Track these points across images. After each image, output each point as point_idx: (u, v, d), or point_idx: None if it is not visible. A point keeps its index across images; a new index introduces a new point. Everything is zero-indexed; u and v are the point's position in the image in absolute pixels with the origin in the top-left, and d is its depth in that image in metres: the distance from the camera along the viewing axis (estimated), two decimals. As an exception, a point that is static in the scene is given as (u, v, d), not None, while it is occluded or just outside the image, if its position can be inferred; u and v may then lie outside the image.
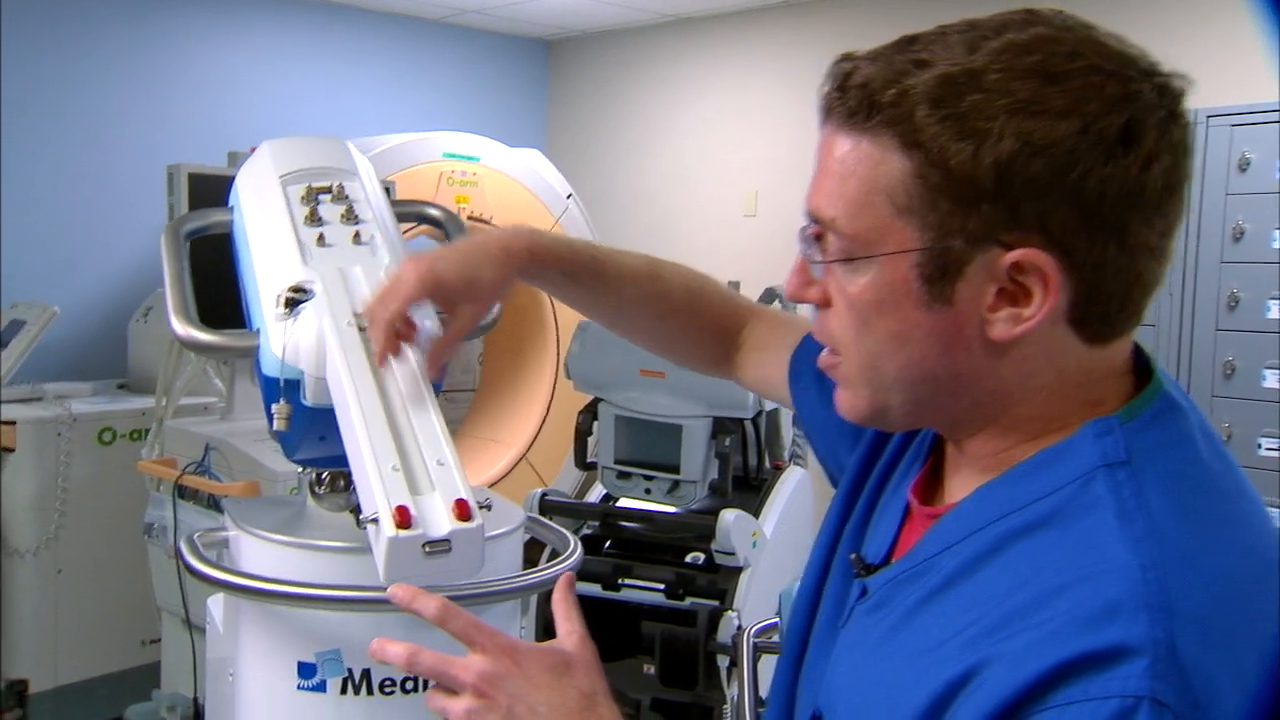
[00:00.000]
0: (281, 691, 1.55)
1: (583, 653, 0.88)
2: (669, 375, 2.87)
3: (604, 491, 3.14)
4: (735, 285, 5.33)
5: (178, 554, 1.57)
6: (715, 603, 2.94)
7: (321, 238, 1.27)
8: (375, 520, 0.94)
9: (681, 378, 2.84)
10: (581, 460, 3.08)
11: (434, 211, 1.47)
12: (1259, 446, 3.60)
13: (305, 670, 1.53)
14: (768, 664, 1.97)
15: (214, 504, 2.94)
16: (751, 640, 2.01)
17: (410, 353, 1.12)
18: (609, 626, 2.83)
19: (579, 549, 1.67)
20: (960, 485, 0.81)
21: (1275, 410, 3.59)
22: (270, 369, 1.20)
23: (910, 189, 0.73)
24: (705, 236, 5.72)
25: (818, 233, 0.80)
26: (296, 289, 1.20)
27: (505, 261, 1.08)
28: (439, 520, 0.94)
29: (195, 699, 3.08)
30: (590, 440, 3.09)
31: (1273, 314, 3.59)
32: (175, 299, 1.28)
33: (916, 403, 0.78)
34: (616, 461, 2.99)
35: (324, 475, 1.43)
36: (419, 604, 0.90)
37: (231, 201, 1.41)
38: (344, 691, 1.53)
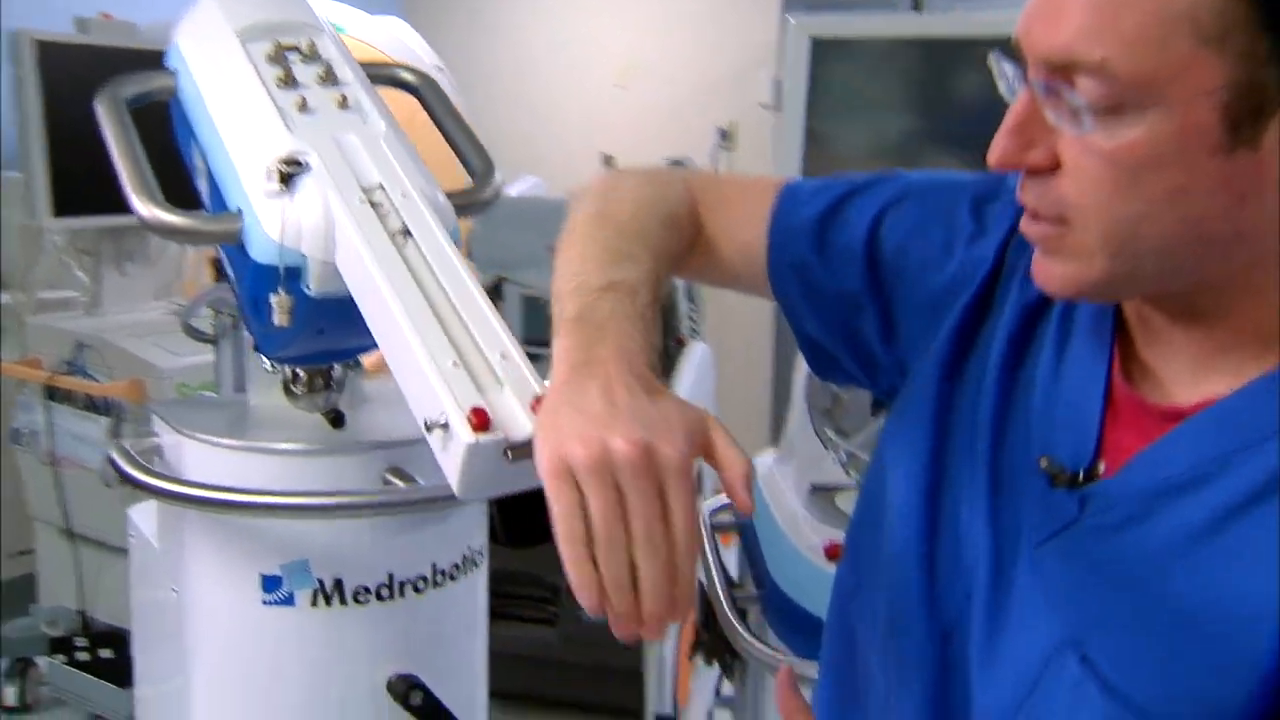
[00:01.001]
0: (243, 608, 1.43)
1: None
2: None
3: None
4: (609, 160, 5.20)
5: (112, 465, 1.41)
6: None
7: (303, 103, 1.10)
8: (444, 425, 0.82)
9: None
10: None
11: (407, 76, 1.31)
12: None
13: (270, 583, 1.41)
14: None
15: (92, 406, 2.73)
16: (709, 522, 1.96)
17: (434, 224, 0.99)
18: (534, 510, 2.75)
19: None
20: (1197, 371, 0.70)
21: None
22: (264, 255, 1.04)
23: (1225, 10, 0.60)
24: (578, 109, 5.54)
25: (1062, 81, 0.65)
26: (290, 161, 1.04)
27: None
28: (518, 420, 0.83)
29: (82, 612, 2.90)
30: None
31: None
32: (132, 176, 1.10)
33: (1173, 272, 0.67)
34: (525, 343, 2.88)
35: (300, 373, 1.29)
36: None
37: (172, 64, 1.23)
38: (315, 603, 1.42)
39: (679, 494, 0.70)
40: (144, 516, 1.73)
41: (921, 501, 0.80)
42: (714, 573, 1.81)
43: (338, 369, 1.32)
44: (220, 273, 1.36)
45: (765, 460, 1.95)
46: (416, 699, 1.47)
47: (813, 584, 1.57)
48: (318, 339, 1.14)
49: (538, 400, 0.83)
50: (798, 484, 1.75)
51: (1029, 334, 0.80)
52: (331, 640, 1.45)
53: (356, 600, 1.43)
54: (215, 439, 1.41)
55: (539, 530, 2.52)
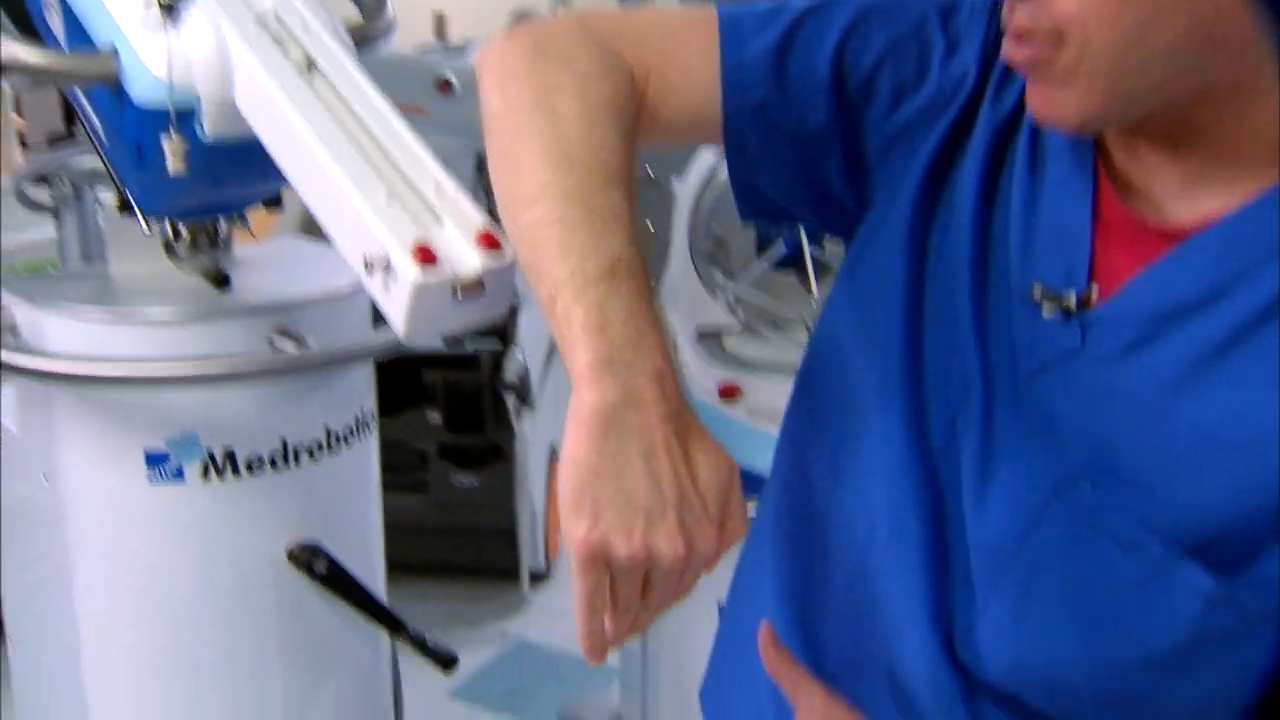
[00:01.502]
0: (127, 488, 1.36)
1: None
2: (430, 110, 2.65)
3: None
4: (440, 17, 4.93)
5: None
6: (495, 343, 2.86)
7: (173, -77, 0.99)
8: (386, 266, 0.76)
9: (444, 111, 2.63)
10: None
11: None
12: None
13: (155, 460, 1.34)
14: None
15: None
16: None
17: (341, 53, 0.91)
18: (387, 379, 2.69)
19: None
20: (1187, 188, 0.66)
21: None
22: (149, 95, 0.94)
23: None
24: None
25: None
26: (170, -12, 0.94)
27: None
28: (465, 256, 0.78)
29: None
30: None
31: None
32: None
33: (1176, 80, 0.62)
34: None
35: (183, 232, 1.20)
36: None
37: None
38: (206, 477, 1.35)
39: (699, 572, 0.68)
40: (-4, 401, 1.62)
41: (901, 338, 0.76)
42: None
43: (223, 225, 1.23)
44: (69, 129, 1.25)
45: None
46: (321, 567, 1.43)
47: (709, 424, 1.58)
48: (210, 190, 1.05)
49: (485, 235, 0.78)
50: (683, 329, 1.75)
51: (1000, 157, 0.74)
52: (226, 515, 1.39)
53: (250, 471, 1.38)
54: (82, 310, 1.31)
55: (406, 397, 2.46)
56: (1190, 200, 0.67)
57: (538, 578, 3.16)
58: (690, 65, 0.80)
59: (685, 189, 1.74)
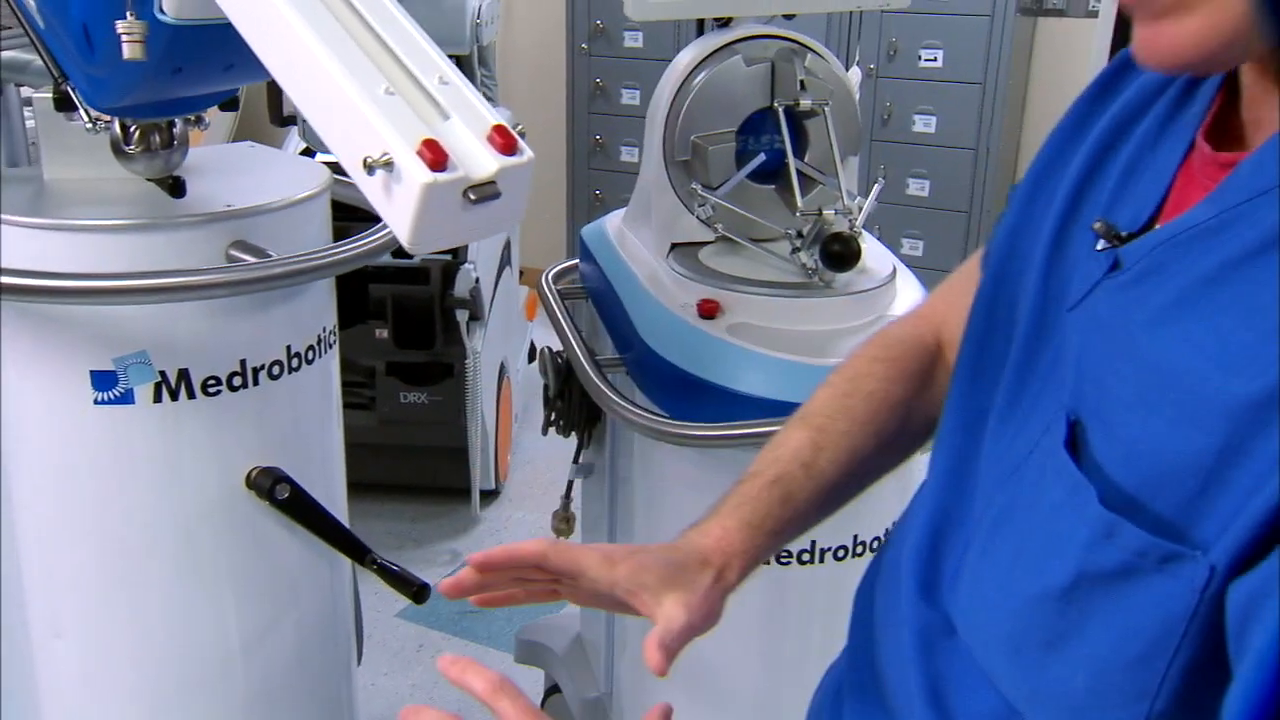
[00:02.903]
0: (71, 410, 1.26)
1: None
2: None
3: (303, 145, 2.78)
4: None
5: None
6: (446, 255, 2.75)
7: None
8: (387, 164, 0.67)
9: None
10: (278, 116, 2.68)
11: None
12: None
13: (102, 380, 1.25)
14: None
15: None
16: (553, 287, 1.86)
17: None
18: (346, 293, 2.58)
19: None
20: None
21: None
22: (100, -30, 0.83)
23: None
24: None
25: None
26: None
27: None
28: (478, 156, 0.69)
29: None
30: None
31: None
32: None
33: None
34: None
35: (133, 130, 1.08)
36: (470, 678, 0.71)
37: None
38: (157, 399, 1.26)
39: None
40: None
41: (1001, 250, 0.77)
42: (570, 337, 1.72)
43: (179, 125, 1.12)
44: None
45: (613, 221, 1.85)
46: (283, 493, 1.36)
47: (688, 342, 1.51)
48: (171, 81, 0.94)
49: (498, 132, 0.69)
50: (657, 245, 1.67)
51: (1140, 112, 0.72)
52: (180, 439, 1.30)
53: (206, 392, 1.29)
54: (21, 219, 1.20)
55: (353, 313, 2.36)
56: (1262, 134, 0.61)
57: (488, 496, 3.10)
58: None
59: (660, 94, 1.64)
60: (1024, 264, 0.75)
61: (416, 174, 0.67)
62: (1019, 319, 0.73)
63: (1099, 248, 0.66)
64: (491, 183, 0.68)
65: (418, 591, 1.41)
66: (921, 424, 0.91)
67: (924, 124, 3.81)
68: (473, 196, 0.68)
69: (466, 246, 2.77)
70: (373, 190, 0.70)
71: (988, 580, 0.67)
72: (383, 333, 2.80)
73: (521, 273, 3.58)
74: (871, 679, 0.78)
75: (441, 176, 0.67)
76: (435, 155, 0.67)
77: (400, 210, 0.68)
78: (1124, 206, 0.67)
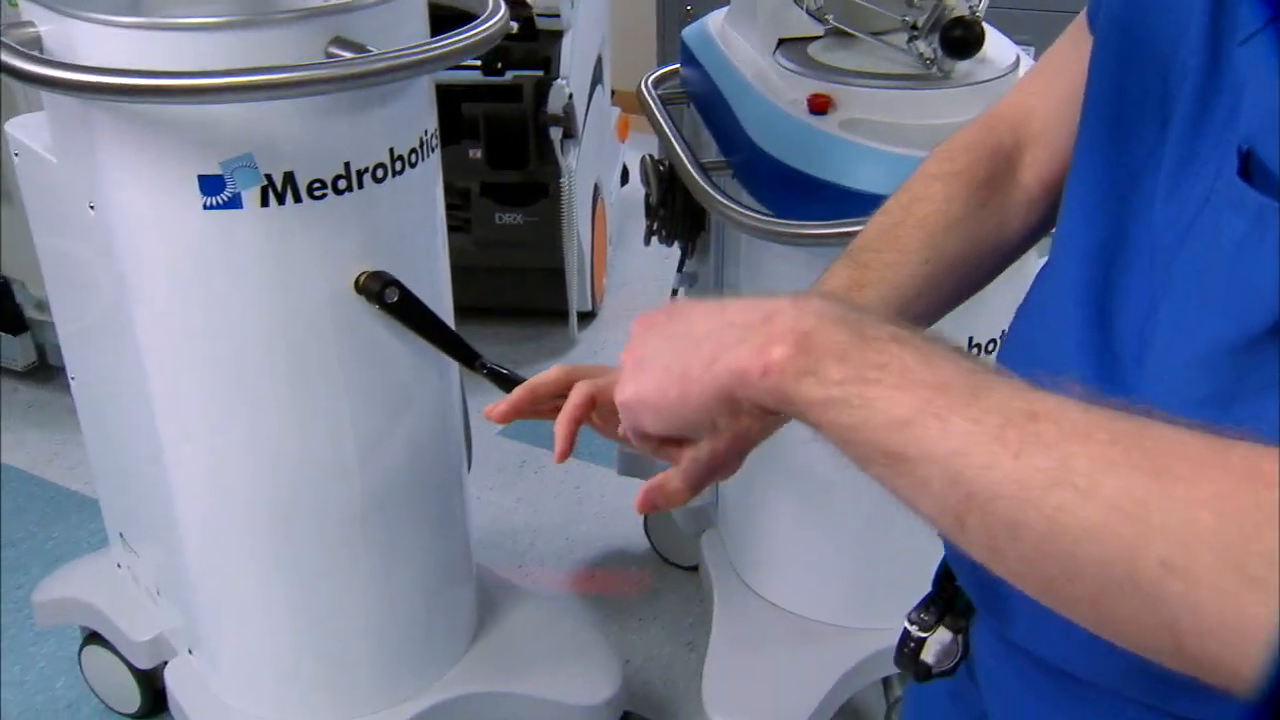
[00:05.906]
0: (180, 216, 1.26)
1: None
2: None
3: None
4: None
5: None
6: (538, 71, 2.69)
7: None
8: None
9: None
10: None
11: None
12: None
13: (209, 185, 1.24)
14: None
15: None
16: (654, 92, 1.80)
17: None
18: (446, 109, 2.54)
19: (503, 8, 1.37)
20: None
21: None
22: None
23: None
24: None
25: None
26: None
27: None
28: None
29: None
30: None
31: None
32: None
33: None
34: None
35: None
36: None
37: None
38: (265, 203, 1.25)
39: None
40: (27, 130, 1.50)
41: None
42: (674, 140, 1.67)
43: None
44: None
45: (715, 21, 1.77)
46: (392, 296, 1.35)
47: (799, 139, 1.45)
48: None
49: None
50: (764, 41, 1.59)
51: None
52: (288, 244, 1.29)
53: (312, 195, 1.27)
54: (119, 18, 1.17)
55: (445, 133, 2.35)
56: None
57: (585, 318, 3.10)
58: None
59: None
60: (1169, 3, 0.68)
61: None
62: (1179, 63, 0.66)
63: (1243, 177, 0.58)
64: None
65: (527, 395, 1.41)
66: (993, 238, 0.85)
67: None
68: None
69: (559, 61, 2.70)
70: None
71: (1182, 342, 0.62)
72: (476, 153, 2.76)
73: (613, 93, 3.50)
74: None
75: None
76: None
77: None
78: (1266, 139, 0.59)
